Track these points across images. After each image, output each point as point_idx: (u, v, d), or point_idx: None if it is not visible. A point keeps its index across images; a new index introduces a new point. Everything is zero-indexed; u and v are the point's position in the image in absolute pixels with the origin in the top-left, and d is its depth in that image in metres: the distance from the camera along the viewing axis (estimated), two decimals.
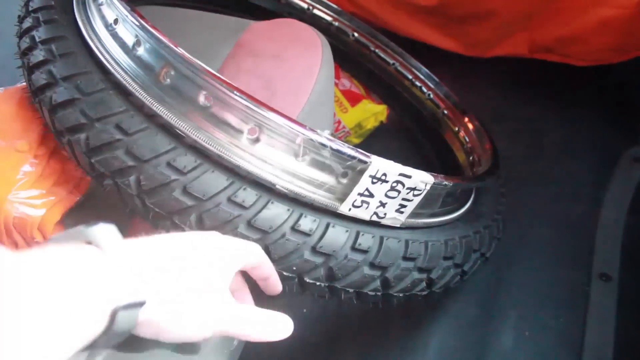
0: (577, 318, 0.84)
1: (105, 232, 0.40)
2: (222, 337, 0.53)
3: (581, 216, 0.99)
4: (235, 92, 0.53)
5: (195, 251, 0.47)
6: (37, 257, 0.36)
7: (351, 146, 0.55)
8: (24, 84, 0.67)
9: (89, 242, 0.40)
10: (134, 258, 0.41)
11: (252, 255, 0.51)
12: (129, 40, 0.61)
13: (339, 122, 1.08)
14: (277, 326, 0.49)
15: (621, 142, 1.09)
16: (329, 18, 1.08)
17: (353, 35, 1.08)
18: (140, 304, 0.39)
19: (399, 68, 1.05)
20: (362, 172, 0.55)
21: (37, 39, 0.63)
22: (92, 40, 0.63)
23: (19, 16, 0.71)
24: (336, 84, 1.10)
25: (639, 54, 0.98)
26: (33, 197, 0.66)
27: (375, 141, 1.12)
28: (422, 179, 0.58)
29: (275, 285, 0.56)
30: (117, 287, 0.38)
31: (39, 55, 0.62)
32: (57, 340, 0.34)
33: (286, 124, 0.53)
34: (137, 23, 0.58)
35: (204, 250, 0.47)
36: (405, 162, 0.57)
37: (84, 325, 0.36)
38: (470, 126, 0.94)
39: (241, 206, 0.54)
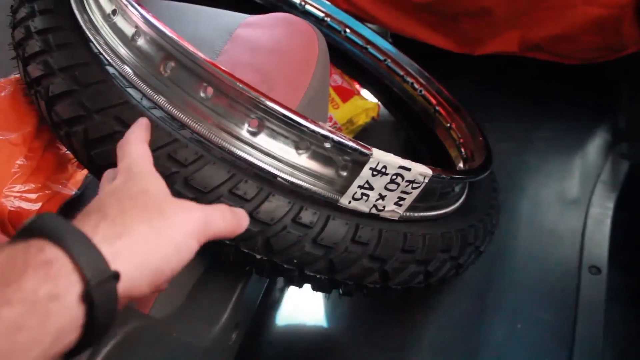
0: (568, 311, 0.86)
1: (49, 221, 0.35)
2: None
3: (571, 210, 1.00)
4: (237, 82, 0.53)
5: (136, 194, 0.42)
6: None
7: (352, 139, 0.55)
8: (18, 75, 0.66)
9: (36, 235, 0.35)
10: (90, 234, 0.36)
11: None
12: (129, 31, 0.60)
13: (330, 118, 1.08)
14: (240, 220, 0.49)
15: (609, 139, 1.11)
16: (321, 14, 1.08)
17: (345, 31, 1.08)
18: (114, 277, 0.35)
19: (391, 64, 1.05)
20: (362, 164, 0.55)
21: (33, 30, 0.62)
22: (90, 31, 0.62)
23: (11, 6, 0.69)
24: None
25: (628, 53, 1.00)
26: (28, 191, 0.65)
27: (367, 137, 1.13)
28: (421, 172, 0.58)
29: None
30: (82, 268, 0.33)
31: (34, 45, 0.61)
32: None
33: (288, 115, 0.53)
34: (137, 13, 0.57)
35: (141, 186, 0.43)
36: None
37: (54, 324, 0.32)
38: (462, 122, 0.94)
39: (243, 198, 0.53)
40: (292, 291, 0.86)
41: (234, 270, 0.64)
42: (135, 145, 0.48)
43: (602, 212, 0.99)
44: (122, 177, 0.45)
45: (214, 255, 0.59)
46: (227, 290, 0.63)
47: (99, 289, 0.33)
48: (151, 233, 0.39)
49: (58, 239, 0.34)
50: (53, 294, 0.32)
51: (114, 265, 0.35)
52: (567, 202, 1.02)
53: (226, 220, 0.46)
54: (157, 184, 0.45)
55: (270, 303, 0.84)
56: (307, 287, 0.61)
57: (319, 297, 0.85)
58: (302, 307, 0.85)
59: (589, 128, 1.14)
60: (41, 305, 0.31)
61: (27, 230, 0.35)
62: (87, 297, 0.33)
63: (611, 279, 0.89)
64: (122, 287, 0.36)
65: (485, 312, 0.86)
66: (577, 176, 1.06)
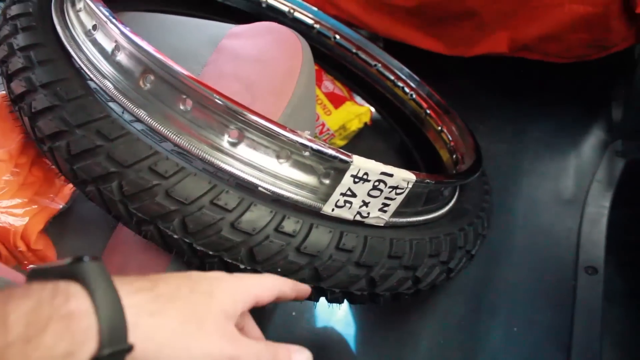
0: (565, 312, 0.85)
1: (93, 268, 0.36)
2: None
3: (566, 210, 1.00)
4: (215, 95, 0.53)
5: (194, 289, 0.43)
6: (16, 299, 0.32)
7: (332, 146, 0.55)
8: (3, 92, 0.67)
9: (74, 278, 0.35)
10: (124, 296, 0.36)
11: (265, 292, 0.48)
12: (108, 46, 0.61)
13: (323, 124, 1.08)
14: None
15: (603, 137, 1.10)
16: (310, 21, 1.09)
17: (334, 37, 1.08)
18: (126, 350, 0.35)
19: (381, 69, 1.05)
20: (343, 172, 0.55)
21: (16, 47, 0.63)
22: (71, 47, 0.63)
23: None
24: (319, 87, 1.10)
25: (617, 50, 0.99)
26: (15, 206, 0.65)
27: (360, 143, 1.13)
28: (404, 177, 0.58)
29: (304, 294, 0.55)
30: (102, 331, 0.34)
31: (17, 62, 0.61)
32: None
33: (267, 125, 0.53)
34: (116, 29, 0.58)
35: (203, 288, 0.43)
36: (389, 163, 0.57)
37: None
38: (452, 125, 0.94)
39: (224, 209, 0.54)
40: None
41: None
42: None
43: (598, 211, 0.98)
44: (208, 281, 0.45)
45: (198, 266, 0.59)
46: None
47: (108, 358, 0.33)
48: (179, 332, 0.38)
49: (89, 289, 0.34)
50: (69, 350, 0.32)
51: (133, 337, 0.35)
52: (562, 202, 1.01)
53: None
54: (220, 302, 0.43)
55: (263, 312, 0.84)
56: None
57: (312, 304, 0.85)
58: (296, 315, 0.85)
59: (583, 126, 1.14)
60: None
61: (64, 269, 0.35)
62: None
63: (608, 279, 0.88)
64: None
65: (481, 315, 0.86)
66: (572, 175, 1.06)
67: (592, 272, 0.90)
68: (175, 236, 0.54)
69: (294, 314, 0.86)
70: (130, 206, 0.54)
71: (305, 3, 1.08)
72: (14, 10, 0.67)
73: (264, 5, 1.08)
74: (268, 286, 0.50)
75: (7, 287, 0.34)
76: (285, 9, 1.08)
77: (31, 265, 0.38)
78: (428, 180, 0.62)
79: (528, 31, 1.00)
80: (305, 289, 0.56)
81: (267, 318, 0.85)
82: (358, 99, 1.14)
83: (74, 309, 0.33)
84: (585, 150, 1.10)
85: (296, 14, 1.09)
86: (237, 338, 0.43)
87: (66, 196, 0.70)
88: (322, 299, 0.62)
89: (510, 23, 1.01)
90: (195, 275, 0.45)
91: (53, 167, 0.61)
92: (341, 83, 1.13)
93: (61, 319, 0.32)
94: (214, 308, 0.42)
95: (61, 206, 0.69)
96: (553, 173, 1.07)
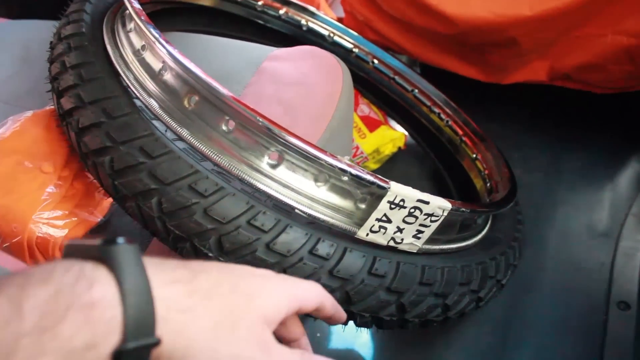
0: (594, 347, 0.83)
1: (125, 252, 0.33)
2: None
3: (600, 244, 0.98)
4: (257, 117, 0.54)
5: (236, 287, 0.41)
6: (34, 285, 0.30)
7: (370, 172, 0.56)
8: (52, 107, 0.70)
9: (102, 261, 0.33)
10: (157, 286, 0.34)
11: (309, 300, 0.47)
12: (156, 66, 0.63)
13: (357, 147, 1.09)
14: None
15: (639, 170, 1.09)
16: (349, 45, 1.10)
17: (372, 62, 1.09)
18: (153, 345, 0.33)
19: (418, 95, 1.06)
20: (380, 197, 0.56)
21: (67, 64, 0.65)
22: (120, 66, 0.65)
23: (50, 42, 0.73)
24: (355, 110, 1.11)
25: None
26: (56, 218, 0.68)
27: (393, 167, 1.13)
28: (440, 205, 0.58)
29: (339, 319, 0.54)
30: (127, 323, 0.32)
31: (68, 79, 0.64)
32: None
33: (307, 149, 0.54)
34: (164, 50, 0.60)
35: (246, 287, 0.42)
36: (422, 189, 0.57)
37: None
38: (488, 153, 0.94)
39: (260, 230, 0.54)
40: (311, 322, 0.86)
41: None
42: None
43: (632, 245, 0.97)
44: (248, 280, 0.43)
45: None
46: None
47: (133, 354, 0.32)
48: (210, 332, 0.37)
49: (117, 274, 0.32)
50: (90, 342, 0.30)
51: (160, 331, 0.33)
52: (596, 234, 1.00)
53: None
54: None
55: None
56: None
57: (338, 327, 0.85)
58: (321, 337, 0.85)
59: (620, 158, 1.12)
60: (77, 354, 0.30)
61: (94, 250, 0.34)
62: (117, 356, 0.31)
63: None
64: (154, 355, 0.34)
65: (508, 347, 0.84)
66: (607, 208, 1.04)
67: (624, 308, 0.88)
68: (211, 254, 0.55)
69: (318, 335, 0.86)
70: (168, 223, 0.55)
71: (345, 27, 1.10)
72: (68, 30, 0.70)
73: (304, 28, 1.10)
74: (314, 293, 0.49)
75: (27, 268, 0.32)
76: (325, 32, 1.10)
77: (66, 241, 0.38)
78: (463, 209, 0.62)
79: (569, 61, 0.99)
80: (343, 313, 0.55)
81: None
82: (393, 123, 1.14)
83: (97, 297, 0.31)
84: (621, 182, 1.08)
85: (336, 38, 1.10)
86: (271, 347, 0.41)
87: (104, 210, 0.72)
88: (351, 323, 0.62)
89: (550, 52, 1.01)
90: (241, 270, 0.44)
91: (94, 180, 0.63)
92: (377, 107, 1.14)
93: (81, 309, 0.30)
94: (252, 312, 0.40)
95: (99, 219, 0.71)
96: (587, 205, 1.06)
